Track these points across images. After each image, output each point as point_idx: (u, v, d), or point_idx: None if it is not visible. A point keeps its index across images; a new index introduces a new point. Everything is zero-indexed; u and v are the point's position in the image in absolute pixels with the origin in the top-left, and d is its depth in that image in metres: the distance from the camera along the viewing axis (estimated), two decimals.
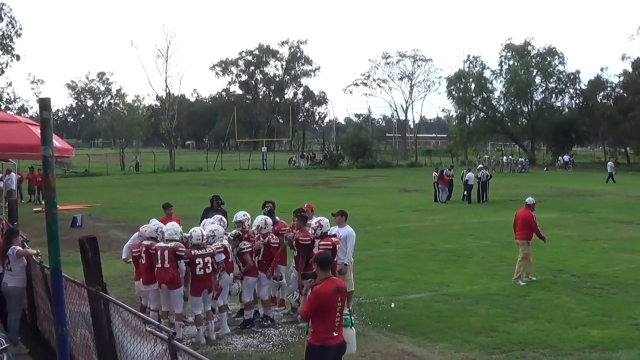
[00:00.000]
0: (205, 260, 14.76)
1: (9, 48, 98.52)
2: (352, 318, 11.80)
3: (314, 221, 16.23)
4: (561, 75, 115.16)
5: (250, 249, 16.17)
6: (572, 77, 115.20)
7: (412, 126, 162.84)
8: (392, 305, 18.03)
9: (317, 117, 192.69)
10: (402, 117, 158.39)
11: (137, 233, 16.56)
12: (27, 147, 11.37)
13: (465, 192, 47.88)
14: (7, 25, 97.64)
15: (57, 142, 12.26)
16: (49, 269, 12.84)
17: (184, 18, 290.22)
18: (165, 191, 54.95)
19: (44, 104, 6.57)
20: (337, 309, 10.08)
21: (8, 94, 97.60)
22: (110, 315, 10.22)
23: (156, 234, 15.15)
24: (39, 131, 11.81)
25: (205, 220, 16.83)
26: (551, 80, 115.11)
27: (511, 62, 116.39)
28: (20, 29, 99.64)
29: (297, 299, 15.38)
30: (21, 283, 14.56)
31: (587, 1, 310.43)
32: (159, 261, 14.62)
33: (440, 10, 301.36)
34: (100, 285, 10.03)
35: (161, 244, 14.86)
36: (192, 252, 14.73)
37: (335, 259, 15.14)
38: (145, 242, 15.19)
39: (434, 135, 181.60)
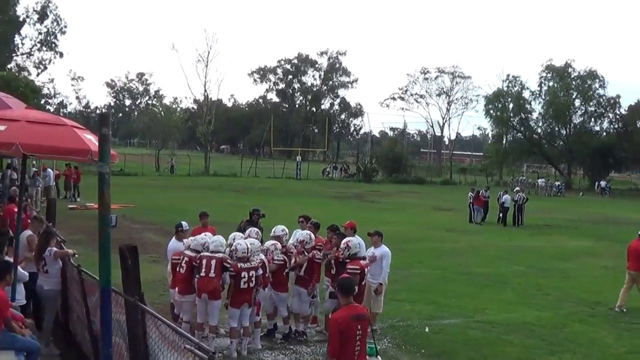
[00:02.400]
0: (250, 274, 14.63)
1: (53, 45, 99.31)
2: (377, 346, 11.51)
3: (342, 243, 16.00)
4: (601, 99, 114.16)
5: (283, 262, 16.03)
6: (612, 102, 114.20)
7: (447, 142, 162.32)
8: (427, 329, 17.81)
9: (352, 129, 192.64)
10: (438, 133, 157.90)
11: (171, 247, 16.52)
12: (73, 150, 11.29)
13: (501, 214, 47.56)
14: (52, 22, 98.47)
15: None
16: (86, 273, 12.84)
17: (226, 23, 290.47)
18: (199, 195, 54.97)
19: (103, 119, 6.43)
20: (356, 337, 9.83)
21: (48, 89, 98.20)
22: (147, 326, 10.08)
23: (202, 247, 15.00)
24: (86, 135, 11.84)
25: (235, 233, 16.56)
26: (591, 103, 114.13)
27: (551, 84, 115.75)
28: (65, 26, 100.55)
29: None
30: (57, 286, 14.46)
31: (631, 26, 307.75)
32: (204, 270, 14.51)
33: (481, 28, 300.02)
34: (138, 295, 9.91)
35: (207, 253, 14.73)
36: (238, 265, 14.59)
37: (363, 282, 14.93)
38: (188, 253, 15.06)
39: (469, 153, 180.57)
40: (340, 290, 10.12)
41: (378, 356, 11.34)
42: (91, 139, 11.77)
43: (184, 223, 17.29)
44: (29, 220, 17.44)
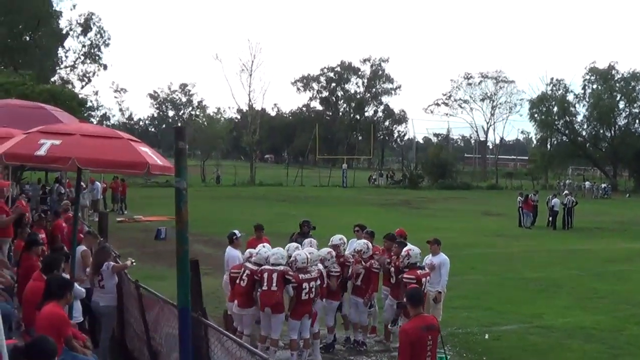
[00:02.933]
0: (311, 285, 14.52)
1: (97, 57, 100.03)
2: (448, 355, 11.34)
3: (403, 251, 15.84)
4: None
5: (338, 273, 15.87)
6: None
7: (491, 147, 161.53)
8: (486, 336, 17.67)
9: (396, 136, 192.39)
10: (482, 138, 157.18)
11: (229, 255, 16.45)
12: (130, 164, 11.22)
13: (551, 218, 47.20)
14: (95, 35, 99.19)
15: (158, 159, 12.14)
16: (144, 288, 12.77)
17: (269, 33, 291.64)
18: (246, 205, 55.13)
19: (180, 133, 6.32)
20: (427, 347, 9.77)
21: (91, 101, 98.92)
22: (210, 341, 9.99)
23: (265, 261, 14.88)
24: (142, 148, 11.77)
25: (290, 244, 16.44)
26: (635, 105, 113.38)
27: (595, 86, 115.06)
28: (109, 39, 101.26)
29: None
30: (113, 301, 14.35)
31: None
32: (266, 284, 14.37)
33: (523, 32, 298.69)
34: (201, 310, 9.82)
35: (268, 267, 14.61)
36: (300, 276, 14.48)
37: (424, 289, 14.75)
38: (250, 266, 14.94)
39: (513, 157, 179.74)
40: (409, 300, 10.02)
41: None
42: (147, 152, 11.70)
43: (236, 231, 17.29)
44: (81, 235, 17.41)
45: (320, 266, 15.25)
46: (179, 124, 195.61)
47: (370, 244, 16.67)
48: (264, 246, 15.70)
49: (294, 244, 16.29)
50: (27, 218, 18.41)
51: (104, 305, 14.20)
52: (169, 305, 11.47)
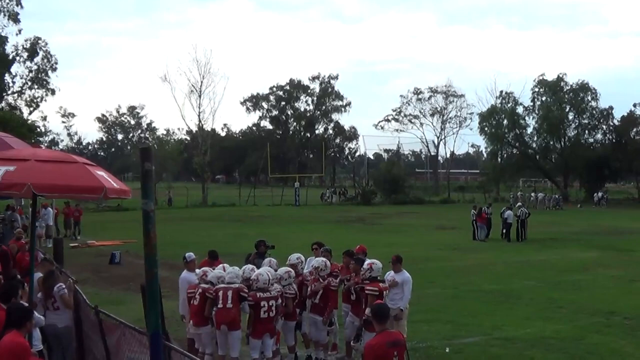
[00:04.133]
0: (270, 304, 14.46)
1: (44, 82, 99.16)
2: None
3: (365, 263, 15.87)
4: (594, 111, 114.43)
5: (294, 295, 15.79)
6: (605, 113, 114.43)
7: (441, 161, 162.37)
8: (447, 350, 17.68)
9: (347, 152, 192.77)
10: (433, 153, 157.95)
11: (183, 278, 16.43)
12: (87, 188, 11.08)
13: (504, 230, 47.53)
14: (42, 59, 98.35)
15: (114, 182, 12.03)
16: (104, 313, 12.61)
17: (217, 53, 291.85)
18: (200, 226, 55.03)
19: (146, 154, 6.22)
20: None
21: (39, 127, 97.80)
22: None
23: (217, 280, 14.87)
24: (98, 172, 11.64)
25: (246, 266, 16.36)
26: (584, 116, 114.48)
27: (544, 98, 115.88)
28: (56, 63, 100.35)
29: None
30: (70, 321, 14.40)
31: (620, 39, 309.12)
32: (221, 301, 14.41)
33: (471, 46, 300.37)
34: (164, 334, 9.67)
35: (223, 285, 14.57)
36: (257, 295, 14.40)
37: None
38: (203, 285, 14.93)
39: (464, 170, 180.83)
40: (374, 316, 9.99)
41: None
42: (103, 175, 11.59)
43: (187, 254, 17.45)
44: (38, 262, 17.20)
45: (278, 286, 15.19)
46: (129, 147, 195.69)
47: (328, 262, 16.66)
48: (220, 267, 15.71)
49: (250, 266, 16.19)
50: None
51: (62, 326, 14.21)
52: (130, 329, 11.35)
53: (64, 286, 14.51)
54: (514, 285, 27.90)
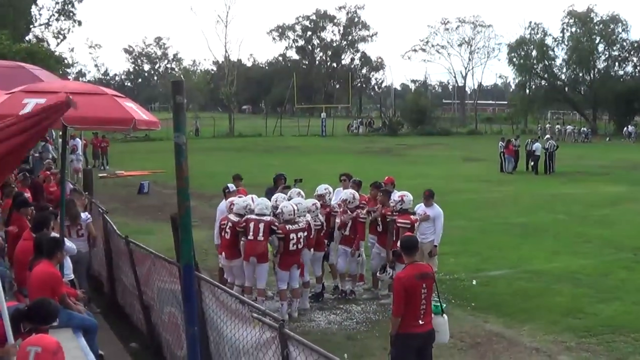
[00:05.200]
0: (298, 236, 14.57)
1: (71, 14, 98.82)
2: (443, 304, 11.33)
3: (396, 195, 15.91)
4: (624, 43, 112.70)
5: (320, 226, 15.91)
6: (635, 45, 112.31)
7: (469, 92, 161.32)
8: (474, 282, 17.77)
9: (373, 83, 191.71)
10: (461, 83, 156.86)
11: (221, 208, 16.41)
12: (117, 120, 11.17)
13: (532, 163, 47.27)
14: None
15: (143, 114, 12.08)
16: (134, 244, 12.73)
17: None
18: (226, 157, 55.00)
19: (177, 87, 6.21)
20: (421, 295, 9.79)
21: (66, 59, 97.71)
22: (202, 294, 9.98)
23: (244, 210, 14.92)
24: (127, 104, 11.69)
25: (277, 194, 16.45)
26: (614, 48, 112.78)
27: (573, 30, 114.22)
28: None
29: (391, 275, 14.80)
30: (87, 247, 15.02)
31: None
32: (252, 234, 14.45)
33: None
34: (195, 264, 9.76)
35: (253, 216, 14.61)
36: (287, 227, 14.50)
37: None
38: (232, 217, 14.96)
39: (492, 102, 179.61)
40: (403, 248, 10.03)
41: (444, 314, 11.10)
42: (132, 107, 11.65)
43: (230, 185, 17.33)
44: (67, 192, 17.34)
45: (309, 217, 15.25)
46: (156, 78, 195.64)
47: (356, 194, 16.71)
48: (246, 197, 15.77)
49: (282, 195, 16.31)
50: (12, 177, 18.26)
51: (85, 251, 14.53)
52: (161, 259, 11.46)
53: (89, 215, 14.71)
54: (541, 218, 27.88)
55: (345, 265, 16.57)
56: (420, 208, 16.68)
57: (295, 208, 14.87)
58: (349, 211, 16.30)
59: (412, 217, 15.40)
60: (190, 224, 6.95)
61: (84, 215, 14.88)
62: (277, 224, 14.58)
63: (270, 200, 15.62)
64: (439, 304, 10.81)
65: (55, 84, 13.33)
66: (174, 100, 6.31)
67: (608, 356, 12.97)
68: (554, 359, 12.87)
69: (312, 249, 15.62)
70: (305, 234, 14.91)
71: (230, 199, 15.90)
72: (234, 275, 15.18)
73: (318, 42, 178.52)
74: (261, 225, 14.43)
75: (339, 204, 16.69)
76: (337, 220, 16.41)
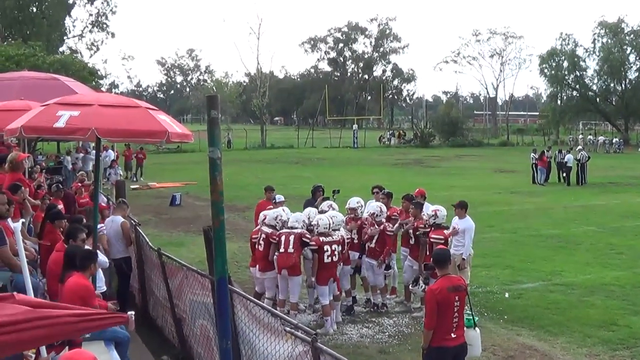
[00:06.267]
0: (333, 248, 14.59)
1: (104, 26, 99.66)
2: (476, 317, 11.32)
3: (430, 209, 15.93)
4: None
5: (349, 239, 15.96)
6: None
7: (500, 103, 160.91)
8: (506, 295, 17.68)
9: (405, 94, 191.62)
10: (492, 95, 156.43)
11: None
12: (150, 132, 11.20)
13: (564, 174, 46.99)
14: (102, 2, 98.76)
15: (176, 126, 12.12)
16: (167, 256, 12.79)
17: None
18: (258, 169, 55.15)
19: (212, 102, 6.27)
20: (454, 308, 9.81)
21: (99, 70, 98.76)
22: (235, 307, 10.01)
23: (275, 222, 14.97)
24: (160, 117, 11.73)
25: (309, 209, 16.45)
26: None
27: (604, 40, 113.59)
28: (115, 6, 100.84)
29: (423, 289, 14.79)
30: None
31: None
32: (283, 246, 14.53)
33: None
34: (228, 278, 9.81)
35: (285, 230, 14.67)
36: (320, 239, 14.51)
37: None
38: (265, 229, 15.02)
39: (523, 113, 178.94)
40: (436, 261, 10.06)
41: (476, 328, 11.10)
42: (166, 120, 11.69)
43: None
44: (103, 205, 17.47)
45: (343, 232, 15.30)
46: (188, 89, 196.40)
47: (383, 207, 16.73)
48: (278, 210, 15.81)
49: (314, 209, 16.32)
50: (43, 189, 18.37)
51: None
52: (193, 272, 11.51)
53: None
54: (573, 230, 27.72)
55: (373, 278, 16.56)
56: (454, 222, 16.62)
57: (331, 222, 14.90)
58: (376, 224, 16.30)
59: (445, 232, 15.40)
60: (224, 238, 7.00)
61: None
62: (308, 236, 14.60)
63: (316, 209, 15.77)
64: (471, 317, 10.81)
65: (89, 97, 13.43)
66: (208, 115, 6.37)
67: None
68: None
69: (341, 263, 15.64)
70: (340, 247, 14.93)
71: (262, 212, 16.00)
72: (266, 288, 15.22)
73: (350, 53, 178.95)
74: (291, 238, 14.49)
75: (366, 218, 16.70)
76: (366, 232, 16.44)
